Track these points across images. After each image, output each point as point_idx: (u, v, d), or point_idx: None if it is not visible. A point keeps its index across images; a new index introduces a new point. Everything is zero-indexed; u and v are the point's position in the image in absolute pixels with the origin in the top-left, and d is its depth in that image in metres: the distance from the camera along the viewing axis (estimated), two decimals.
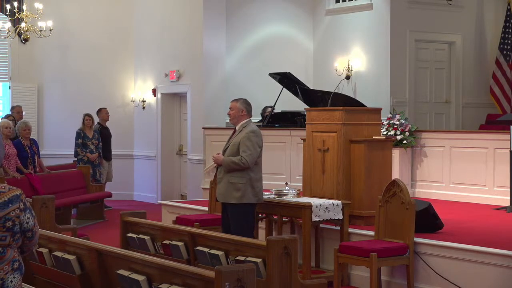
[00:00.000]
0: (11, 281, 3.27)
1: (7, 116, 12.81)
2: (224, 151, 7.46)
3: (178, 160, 15.05)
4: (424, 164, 11.34)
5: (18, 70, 15.41)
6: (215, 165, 7.71)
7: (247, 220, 7.36)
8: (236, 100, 7.54)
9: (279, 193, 7.94)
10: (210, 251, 6.00)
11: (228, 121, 8.67)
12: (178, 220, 8.96)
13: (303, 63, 14.65)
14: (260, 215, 8.23)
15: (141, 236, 6.90)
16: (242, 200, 7.30)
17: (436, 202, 8.91)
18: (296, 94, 11.28)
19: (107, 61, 15.69)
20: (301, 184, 9.06)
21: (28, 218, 3.32)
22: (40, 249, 5.91)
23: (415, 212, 7.12)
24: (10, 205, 3.25)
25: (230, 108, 7.54)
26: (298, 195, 7.93)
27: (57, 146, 15.30)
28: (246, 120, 7.48)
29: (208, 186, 9.90)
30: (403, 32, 13.35)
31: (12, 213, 3.26)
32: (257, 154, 7.35)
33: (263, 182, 7.56)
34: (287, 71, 11.75)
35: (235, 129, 7.55)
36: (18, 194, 3.31)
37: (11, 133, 11.27)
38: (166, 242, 6.58)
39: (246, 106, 7.49)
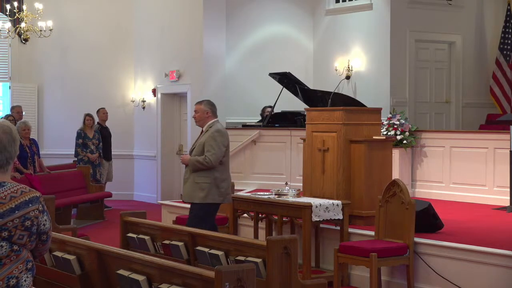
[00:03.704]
0: (25, 280, 3.32)
1: (7, 116, 12.81)
2: (191, 151, 7.55)
3: (178, 160, 15.02)
4: (424, 164, 11.33)
5: (18, 70, 15.40)
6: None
7: (206, 220, 7.40)
8: (200, 103, 7.67)
9: (279, 193, 7.94)
10: (210, 251, 5.99)
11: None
12: (178, 220, 8.97)
13: (303, 63, 14.64)
14: (260, 215, 8.24)
15: (141, 236, 6.90)
16: (206, 200, 7.39)
17: (436, 202, 8.90)
18: (296, 94, 11.28)
19: (107, 61, 15.68)
20: (301, 184, 9.06)
21: (45, 221, 3.38)
22: None
23: (415, 212, 7.12)
24: (30, 205, 3.31)
25: (195, 111, 7.66)
26: (298, 195, 7.93)
27: (57, 146, 15.29)
28: (213, 120, 7.58)
29: None
30: (403, 32, 13.35)
31: (32, 213, 3.31)
32: (221, 153, 7.43)
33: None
34: (287, 71, 11.74)
35: (202, 129, 7.63)
36: (38, 196, 3.38)
37: None
38: (166, 242, 6.57)
39: (210, 107, 7.59)
